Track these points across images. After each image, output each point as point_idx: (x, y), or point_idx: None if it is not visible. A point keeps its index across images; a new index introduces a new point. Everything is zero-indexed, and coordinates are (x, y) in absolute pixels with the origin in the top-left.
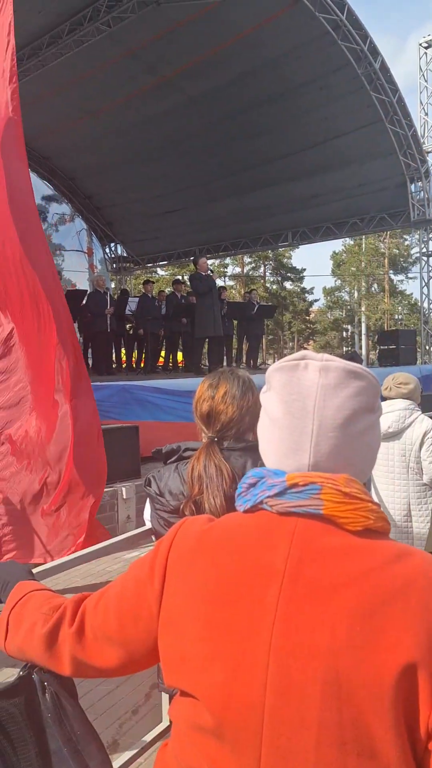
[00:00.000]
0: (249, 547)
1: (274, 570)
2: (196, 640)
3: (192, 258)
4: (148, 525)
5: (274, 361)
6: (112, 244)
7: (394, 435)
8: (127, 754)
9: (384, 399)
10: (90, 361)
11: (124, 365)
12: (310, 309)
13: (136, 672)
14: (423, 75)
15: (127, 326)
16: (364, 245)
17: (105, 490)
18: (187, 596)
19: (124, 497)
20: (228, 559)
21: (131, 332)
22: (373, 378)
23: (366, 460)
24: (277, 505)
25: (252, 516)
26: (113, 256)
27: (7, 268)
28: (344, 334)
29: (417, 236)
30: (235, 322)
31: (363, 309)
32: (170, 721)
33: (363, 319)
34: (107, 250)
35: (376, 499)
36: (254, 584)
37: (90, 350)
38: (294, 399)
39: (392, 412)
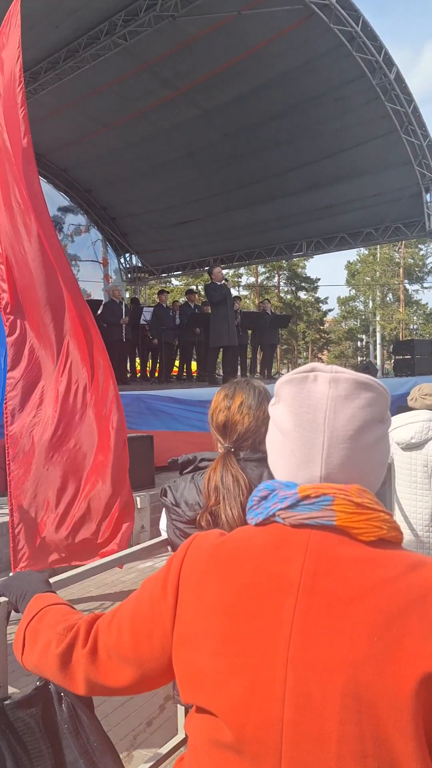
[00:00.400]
0: (263, 561)
1: (289, 582)
2: (212, 655)
3: (206, 268)
4: (164, 535)
5: (288, 371)
6: (127, 255)
7: (417, 446)
8: (143, 767)
9: (409, 409)
10: None
11: (138, 375)
12: (325, 319)
13: (151, 690)
14: None
15: (150, 337)
16: (378, 255)
17: None
18: (201, 612)
19: (139, 507)
20: (242, 573)
21: (155, 341)
22: (383, 389)
23: (376, 471)
24: (289, 517)
25: (264, 529)
26: (128, 266)
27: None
28: (359, 343)
29: None
30: (250, 331)
31: (378, 319)
32: (186, 735)
33: (378, 328)
34: (122, 261)
35: (398, 510)
36: (270, 597)
37: None
38: (304, 411)
39: (415, 423)
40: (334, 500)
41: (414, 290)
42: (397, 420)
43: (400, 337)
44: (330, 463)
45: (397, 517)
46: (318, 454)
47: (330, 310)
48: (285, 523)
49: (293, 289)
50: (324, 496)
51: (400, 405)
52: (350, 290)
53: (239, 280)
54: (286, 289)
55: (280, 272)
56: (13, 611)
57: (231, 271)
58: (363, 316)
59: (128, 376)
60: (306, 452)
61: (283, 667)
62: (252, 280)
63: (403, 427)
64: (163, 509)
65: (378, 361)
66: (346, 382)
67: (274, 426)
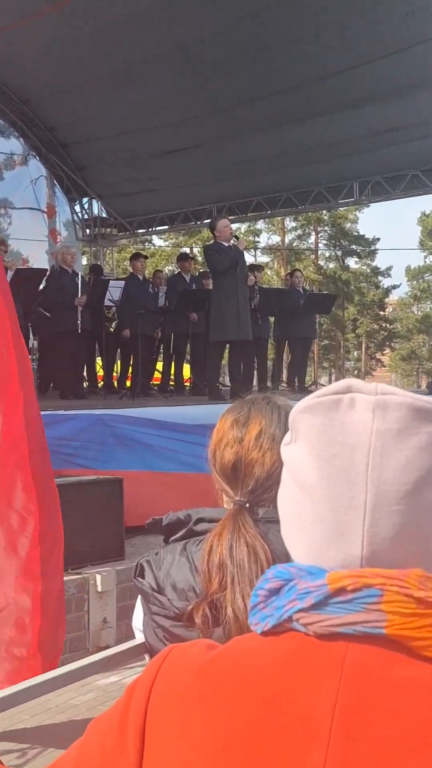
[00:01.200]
0: (275, 690)
1: (315, 723)
2: None
3: (207, 221)
4: (139, 636)
5: (331, 381)
6: (85, 200)
7: None
8: None
9: None
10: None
11: (100, 383)
12: (387, 300)
13: None
14: None
15: (112, 325)
16: None
17: (70, 578)
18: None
19: (99, 590)
20: (242, 709)
21: (126, 332)
22: None
23: None
24: (315, 623)
25: (277, 640)
26: (86, 217)
27: None
28: None
29: None
30: (272, 319)
31: None
32: None
33: None
34: (77, 209)
35: None
36: (286, 746)
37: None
38: (335, 454)
39: None
40: (383, 595)
41: None
42: None
43: None
44: (376, 536)
45: None
46: (358, 520)
47: (395, 287)
48: (308, 632)
49: (339, 254)
50: (367, 588)
51: None
52: (426, 257)
53: (257, 239)
54: (327, 255)
55: (319, 229)
56: None
57: (244, 226)
58: None
59: (85, 385)
60: (339, 518)
61: None
62: (276, 239)
63: None
64: (139, 596)
65: None
66: (399, 408)
67: (288, 476)
